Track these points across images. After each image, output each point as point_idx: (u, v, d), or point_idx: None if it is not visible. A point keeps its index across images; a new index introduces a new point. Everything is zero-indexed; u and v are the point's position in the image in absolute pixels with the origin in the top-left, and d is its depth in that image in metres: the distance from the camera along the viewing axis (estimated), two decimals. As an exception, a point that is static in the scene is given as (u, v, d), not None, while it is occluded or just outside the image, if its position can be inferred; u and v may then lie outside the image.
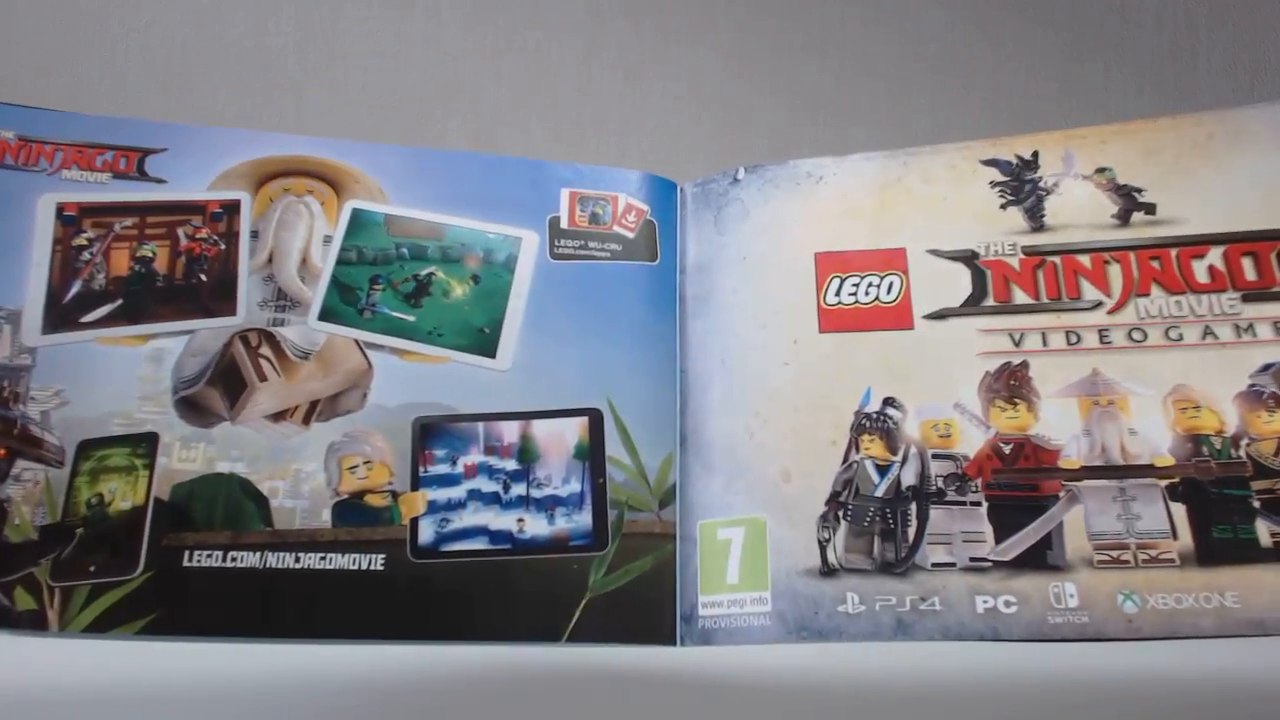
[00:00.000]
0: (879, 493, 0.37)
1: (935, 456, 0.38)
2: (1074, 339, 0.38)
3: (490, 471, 0.38)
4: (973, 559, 0.36)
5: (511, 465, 0.39)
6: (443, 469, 0.38)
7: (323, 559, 0.36)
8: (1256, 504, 0.34)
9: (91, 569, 0.35)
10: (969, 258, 0.40)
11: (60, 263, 0.39)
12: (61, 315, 0.38)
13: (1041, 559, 0.35)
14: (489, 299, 0.41)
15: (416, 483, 0.38)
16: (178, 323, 0.39)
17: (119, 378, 0.38)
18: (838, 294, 0.41)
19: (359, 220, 0.42)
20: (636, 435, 0.40)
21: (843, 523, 0.37)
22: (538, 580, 0.37)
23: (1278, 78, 0.76)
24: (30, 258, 0.38)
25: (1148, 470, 0.36)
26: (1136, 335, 0.38)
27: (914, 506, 0.37)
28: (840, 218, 0.43)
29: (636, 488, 0.39)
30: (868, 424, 0.38)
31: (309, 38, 0.73)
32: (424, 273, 0.41)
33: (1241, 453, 0.35)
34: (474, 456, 0.39)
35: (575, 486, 0.39)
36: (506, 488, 0.38)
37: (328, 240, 0.41)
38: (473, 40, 0.75)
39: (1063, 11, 0.76)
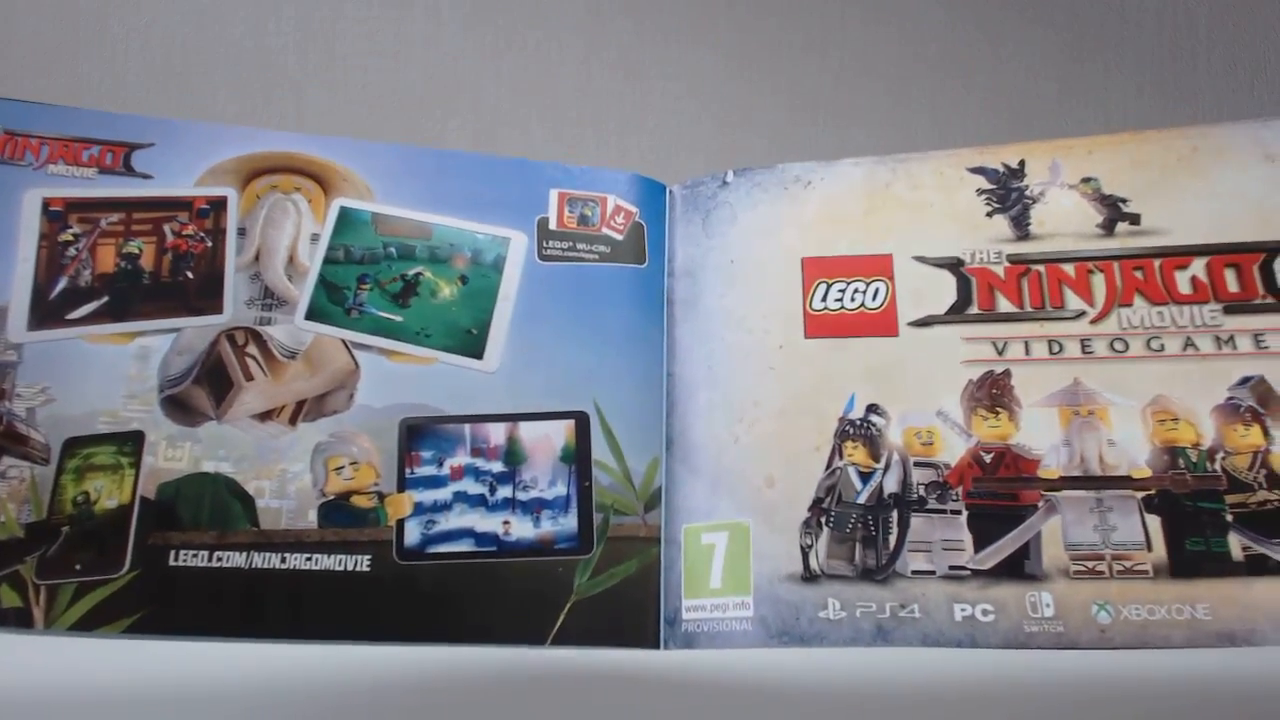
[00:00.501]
0: (861, 499, 0.37)
1: (917, 464, 0.38)
2: (1056, 348, 0.38)
3: (477, 473, 0.38)
4: (952, 567, 0.36)
5: (498, 467, 0.39)
6: (429, 471, 0.38)
7: (309, 559, 0.36)
8: (1229, 518, 0.34)
9: (77, 567, 0.35)
10: (954, 265, 0.40)
11: (46, 259, 0.39)
12: (48, 311, 0.38)
13: (1019, 568, 0.35)
14: (477, 300, 0.41)
15: (403, 484, 0.38)
16: (164, 320, 0.39)
17: (105, 375, 0.38)
18: (824, 299, 0.41)
19: (346, 219, 0.41)
20: (623, 439, 0.40)
21: (825, 529, 0.37)
22: (523, 583, 0.37)
23: (1278, 78, 0.76)
24: (16, 253, 0.38)
25: (1125, 482, 0.36)
26: (1118, 345, 0.37)
27: (895, 514, 0.37)
28: (827, 223, 0.42)
29: (622, 491, 0.39)
30: (851, 430, 0.38)
31: (309, 38, 0.74)
32: (411, 273, 0.41)
33: (1217, 466, 0.35)
34: (460, 458, 0.39)
35: (561, 490, 0.39)
36: (493, 490, 0.38)
37: (315, 238, 0.41)
38: (473, 40, 0.75)
39: (1063, 11, 0.76)
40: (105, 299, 0.39)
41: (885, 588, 0.36)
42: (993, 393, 0.38)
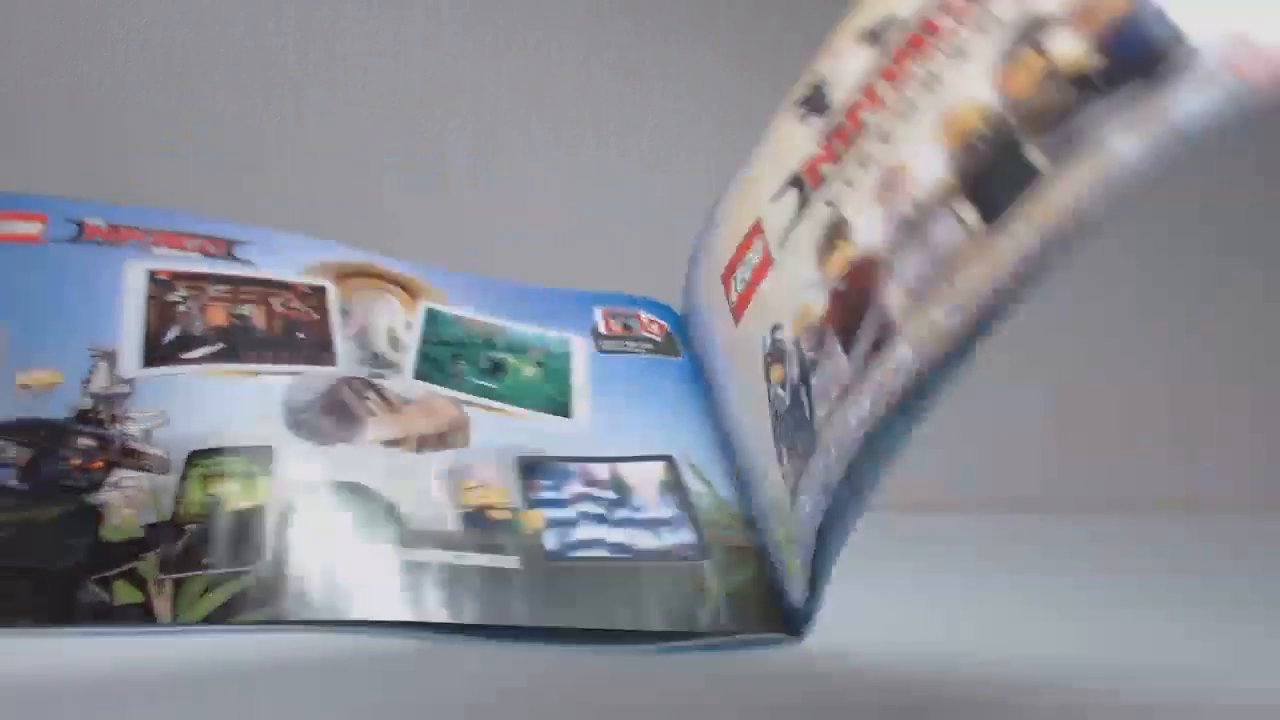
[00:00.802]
0: (788, 403, 0.38)
1: (804, 338, 0.38)
2: (868, 161, 0.38)
3: (592, 499, 0.40)
4: (840, 386, 0.35)
5: (610, 495, 0.41)
6: (550, 495, 0.40)
7: (459, 556, 0.36)
8: (1024, 141, 0.31)
9: (206, 561, 0.34)
10: (793, 179, 0.42)
11: (156, 312, 0.39)
12: (161, 353, 0.38)
13: (871, 346, 0.35)
14: (556, 378, 0.45)
15: (531, 505, 0.39)
16: (282, 365, 0.39)
17: (226, 402, 0.37)
18: (735, 289, 0.44)
19: (434, 316, 0.45)
20: (709, 475, 0.42)
21: (784, 448, 0.38)
22: (664, 583, 0.38)
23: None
24: (122, 309, 0.38)
25: (934, 198, 0.34)
26: (902, 106, 0.37)
27: (803, 390, 0.37)
28: (725, 239, 0.46)
29: (722, 511, 0.41)
30: (769, 358, 0.40)
31: (309, 38, 0.74)
32: (497, 356, 0.45)
33: (1010, 118, 0.33)
34: (576, 487, 0.40)
35: (671, 510, 0.41)
36: (610, 511, 0.40)
37: (409, 325, 0.44)
38: (473, 40, 0.75)
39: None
40: (221, 345, 0.39)
41: (817, 447, 0.36)
42: (827, 233, 0.38)
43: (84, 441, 0.35)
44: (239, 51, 0.73)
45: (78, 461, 0.35)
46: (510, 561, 0.37)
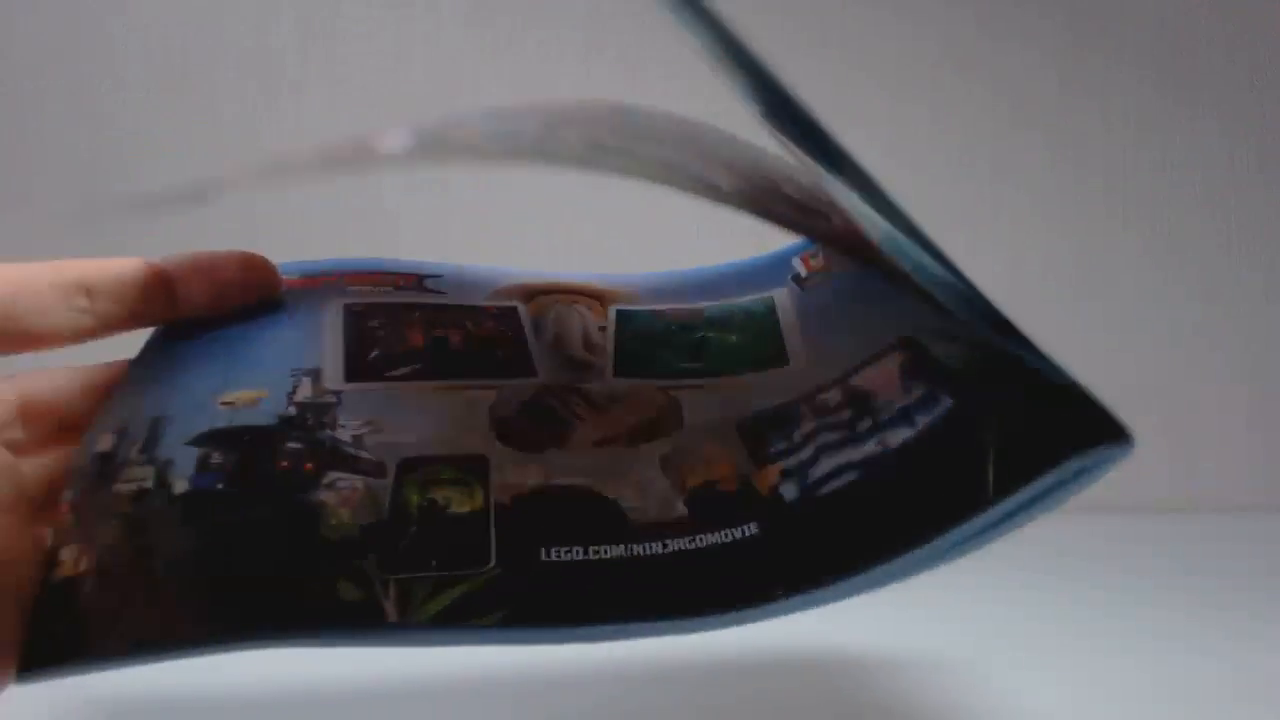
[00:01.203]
0: None
1: None
2: None
3: (829, 428, 0.36)
4: None
5: (847, 414, 0.36)
6: (781, 446, 0.37)
7: (691, 541, 0.34)
8: None
9: (433, 563, 0.33)
10: None
11: (356, 336, 0.39)
12: (363, 371, 0.38)
13: None
14: (765, 336, 0.42)
15: (761, 464, 0.36)
16: (482, 380, 0.39)
17: (433, 414, 0.37)
18: None
19: (626, 316, 0.44)
20: (956, 333, 0.36)
21: None
22: (932, 465, 0.33)
23: (1277, 72, 0.76)
24: (323, 337, 0.39)
25: None
26: None
27: None
28: None
29: (979, 359, 0.35)
30: None
31: (309, 38, 0.74)
32: (697, 337, 0.42)
33: None
34: (807, 425, 0.37)
35: (922, 388, 0.35)
36: (852, 430, 0.36)
37: (602, 330, 0.43)
38: (473, 40, 0.75)
39: (1062, 7, 0.76)
40: (420, 365, 0.39)
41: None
42: None
43: (292, 445, 0.35)
44: (239, 51, 0.73)
45: (287, 464, 0.34)
46: (750, 529, 0.34)
